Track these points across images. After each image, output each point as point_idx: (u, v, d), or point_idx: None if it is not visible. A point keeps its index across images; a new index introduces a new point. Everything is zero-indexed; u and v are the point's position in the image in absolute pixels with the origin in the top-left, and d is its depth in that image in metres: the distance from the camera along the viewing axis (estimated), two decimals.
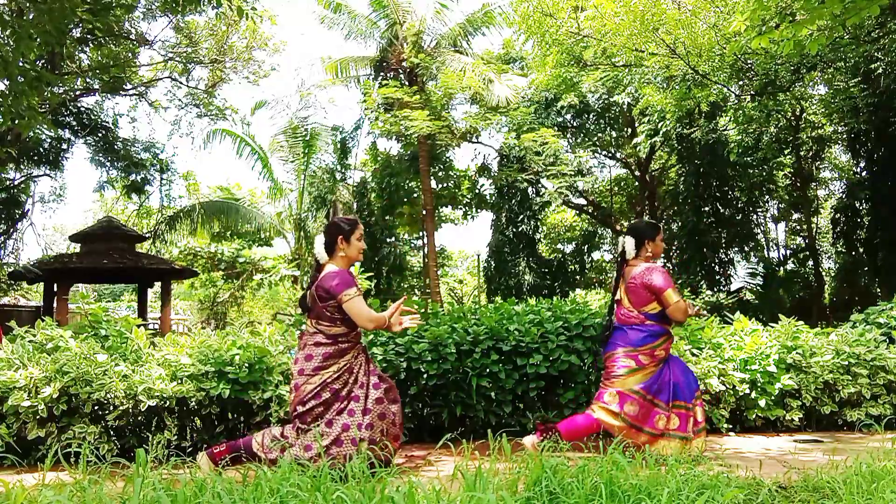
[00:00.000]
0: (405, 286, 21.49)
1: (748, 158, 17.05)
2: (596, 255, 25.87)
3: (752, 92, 13.42)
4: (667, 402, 4.13)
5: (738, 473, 3.27)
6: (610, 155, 22.72)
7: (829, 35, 8.36)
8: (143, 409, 4.25)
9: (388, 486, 2.53)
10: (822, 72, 13.46)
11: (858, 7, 4.91)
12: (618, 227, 22.25)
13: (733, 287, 17.65)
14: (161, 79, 16.84)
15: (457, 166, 22.83)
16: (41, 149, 15.94)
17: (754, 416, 5.28)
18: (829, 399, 5.39)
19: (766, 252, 21.41)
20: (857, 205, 16.61)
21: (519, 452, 3.17)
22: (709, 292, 16.28)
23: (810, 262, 19.77)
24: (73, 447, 3.93)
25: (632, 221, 4.82)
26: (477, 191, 22.60)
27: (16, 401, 4.09)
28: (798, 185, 19.72)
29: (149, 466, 2.90)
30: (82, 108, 16.42)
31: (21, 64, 6.08)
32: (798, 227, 23.00)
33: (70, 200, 45.20)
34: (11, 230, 16.25)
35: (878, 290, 14.84)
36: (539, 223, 20.34)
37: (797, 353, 5.44)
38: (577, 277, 22.73)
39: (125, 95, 16.69)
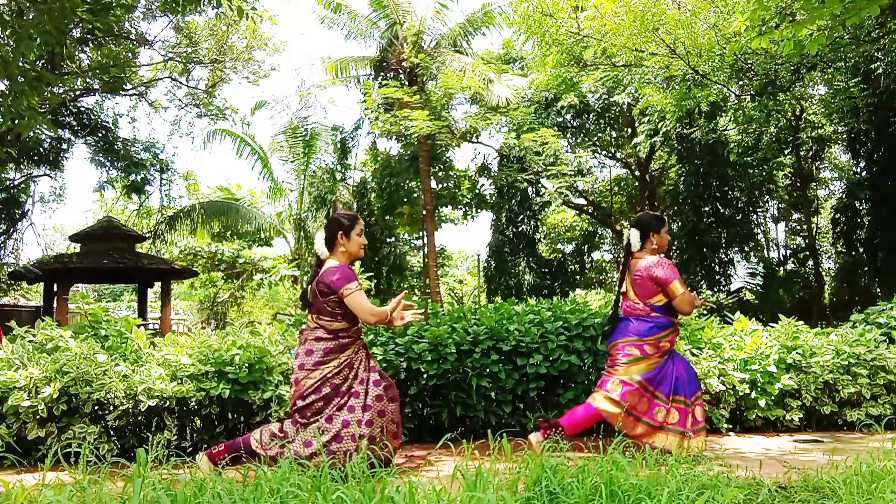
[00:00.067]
0: (405, 286, 21.47)
1: (748, 158, 17.05)
2: (596, 255, 25.89)
3: (752, 92, 13.42)
4: (667, 395, 4.14)
5: (738, 473, 3.26)
6: (610, 155, 22.72)
7: (829, 35, 8.36)
8: (143, 409, 4.25)
9: (388, 486, 2.53)
10: (822, 72, 13.46)
11: (858, 7, 4.91)
12: (618, 227, 22.26)
13: (733, 287, 17.65)
14: (161, 79, 16.85)
15: (457, 166, 22.83)
16: (41, 149, 15.93)
17: (754, 416, 5.29)
18: (829, 399, 5.39)
19: (766, 252, 21.41)
20: (857, 205, 16.61)
21: (519, 452, 3.17)
22: (709, 292, 16.28)
23: (810, 262, 19.77)
24: (73, 447, 3.93)
25: (637, 214, 4.82)
26: (477, 191, 22.60)
27: (16, 401, 4.09)
28: (798, 185, 19.72)
29: (149, 466, 2.90)
30: (82, 108, 16.42)
31: (21, 64, 6.08)
32: (798, 227, 23.00)
33: (70, 200, 45.31)
34: (11, 230, 16.25)
35: (878, 290, 14.84)
36: (539, 223, 20.34)
37: (797, 353, 5.44)
38: (577, 277, 22.73)
39: (125, 95, 16.69)
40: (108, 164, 17.42)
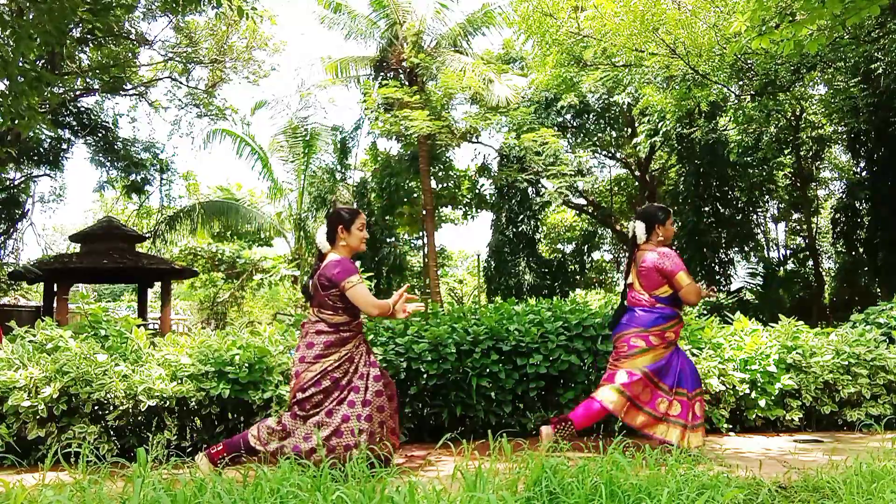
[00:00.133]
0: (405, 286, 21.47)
1: (748, 158, 17.04)
2: (596, 255, 25.90)
3: (752, 92, 13.41)
4: (671, 387, 4.16)
5: (738, 473, 3.27)
6: (610, 155, 22.72)
7: (829, 35, 8.36)
8: (143, 409, 4.25)
9: (388, 486, 2.53)
10: (822, 72, 13.45)
11: (858, 7, 4.91)
12: (618, 227, 22.26)
13: (733, 287, 17.65)
14: (161, 79, 16.84)
15: (457, 166, 22.83)
16: (41, 149, 15.93)
17: (754, 416, 5.28)
18: (829, 399, 5.39)
19: (766, 252, 21.41)
20: (857, 205, 16.61)
21: (519, 452, 3.17)
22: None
23: (810, 262, 19.77)
24: (73, 447, 3.93)
25: (642, 207, 4.83)
26: (477, 191, 22.60)
27: (16, 401, 4.08)
28: (798, 185, 19.72)
29: (149, 466, 2.90)
30: (82, 108, 16.42)
31: (21, 64, 6.08)
32: (798, 227, 23.00)
33: (70, 200, 45.35)
34: (11, 230, 16.25)
35: (878, 290, 14.84)
36: (539, 223, 20.34)
37: (797, 353, 5.44)
38: (577, 277, 22.74)
39: (125, 95, 16.69)
40: (108, 164, 17.42)
